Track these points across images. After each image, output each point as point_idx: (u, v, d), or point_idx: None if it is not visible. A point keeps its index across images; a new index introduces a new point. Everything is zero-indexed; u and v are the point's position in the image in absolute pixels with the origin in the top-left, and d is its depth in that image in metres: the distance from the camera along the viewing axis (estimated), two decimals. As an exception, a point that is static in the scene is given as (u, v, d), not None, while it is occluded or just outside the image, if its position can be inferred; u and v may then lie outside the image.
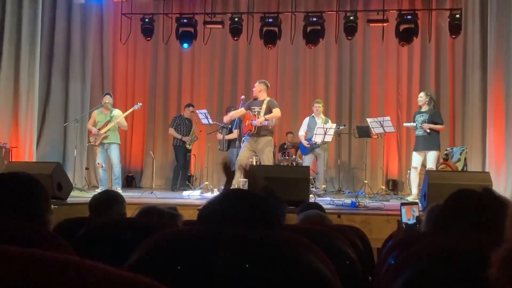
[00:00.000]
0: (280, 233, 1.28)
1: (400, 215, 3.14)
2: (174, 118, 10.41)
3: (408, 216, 3.09)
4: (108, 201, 2.92)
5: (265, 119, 7.90)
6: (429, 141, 8.21)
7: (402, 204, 3.21)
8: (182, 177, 10.27)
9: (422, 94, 8.56)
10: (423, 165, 8.35)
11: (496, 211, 1.43)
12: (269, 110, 7.97)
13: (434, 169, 8.06)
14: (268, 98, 8.16)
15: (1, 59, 8.82)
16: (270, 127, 8.08)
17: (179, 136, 10.07)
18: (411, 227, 2.91)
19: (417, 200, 7.07)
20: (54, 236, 1.62)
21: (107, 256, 1.45)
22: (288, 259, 1.24)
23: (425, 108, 8.35)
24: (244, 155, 8.08)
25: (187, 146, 10.14)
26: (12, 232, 1.52)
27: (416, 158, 8.38)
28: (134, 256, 1.40)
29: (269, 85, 8.36)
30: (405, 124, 9.17)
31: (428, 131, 8.15)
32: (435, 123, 8.21)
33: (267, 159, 8.04)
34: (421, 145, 8.33)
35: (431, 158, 8.18)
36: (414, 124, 8.45)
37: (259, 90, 8.14)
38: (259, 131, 7.96)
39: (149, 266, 1.35)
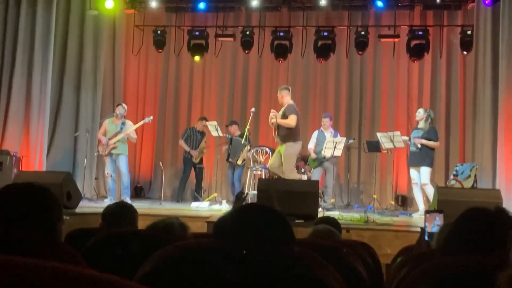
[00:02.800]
0: (293, 249, 1.28)
1: (424, 223, 3.11)
2: (186, 130, 10.39)
3: (432, 224, 3.05)
4: (122, 212, 2.92)
5: (277, 122, 7.68)
6: (420, 157, 8.23)
7: (427, 212, 3.19)
8: (191, 189, 10.24)
9: (420, 110, 8.59)
10: None
11: (508, 230, 1.41)
12: (284, 116, 7.75)
13: (428, 184, 8.04)
14: (287, 104, 7.89)
15: (14, 69, 8.93)
16: (292, 132, 7.72)
17: (188, 149, 10.07)
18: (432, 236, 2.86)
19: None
20: (65, 246, 1.63)
21: (117, 268, 1.45)
22: (301, 275, 1.23)
23: (421, 124, 8.37)
24: (274, 160, 7.91)
25: (193, 159, 10.12)
26: (23, 241, 1.53)
27: (413, 173, 8.44)
28: (144, 269, 1.39)
29: (290, 89, 8.16)
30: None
31: (419, 146, 8.15)
32: (429, 140, 8.20)
33: (287, 169, 7.74)
34: (413, 161, 8.41)
35: (424, 174, 8.19)
36: (407, 138, 8.49)
37: (281, 96, 7.97)
38: (282, 136, 7.75)
39: (159, 279, 1.34)
